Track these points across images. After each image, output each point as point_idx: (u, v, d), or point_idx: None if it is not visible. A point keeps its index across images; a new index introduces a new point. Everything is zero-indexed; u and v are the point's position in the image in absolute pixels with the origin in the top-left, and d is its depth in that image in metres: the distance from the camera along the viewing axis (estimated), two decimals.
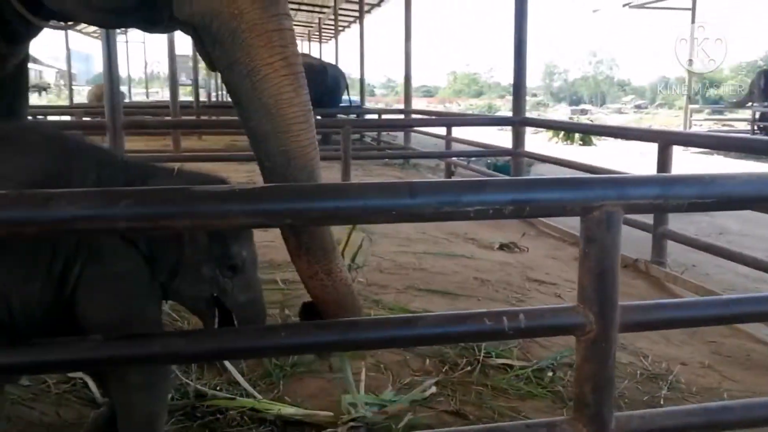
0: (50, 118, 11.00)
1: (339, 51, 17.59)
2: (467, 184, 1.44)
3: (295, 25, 24.14)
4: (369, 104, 18.32)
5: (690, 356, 2.78)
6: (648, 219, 4.06)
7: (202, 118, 11.74)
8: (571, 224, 5.15)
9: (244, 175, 7.74)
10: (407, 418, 2.06)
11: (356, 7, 14.61)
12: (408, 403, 2.16)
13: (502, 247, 4.48)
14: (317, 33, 22.10)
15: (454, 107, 38.43)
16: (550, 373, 2.43)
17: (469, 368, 2.44)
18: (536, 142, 12.87)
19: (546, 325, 1.55)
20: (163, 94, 23.86)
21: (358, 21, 14.70)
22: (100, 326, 1.52)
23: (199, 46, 1.66)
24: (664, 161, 3.84)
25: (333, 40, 18.83)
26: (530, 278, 3.74)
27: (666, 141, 3.89)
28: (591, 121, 23.59)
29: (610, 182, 1.51)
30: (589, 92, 54.91)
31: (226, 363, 2.17)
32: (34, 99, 28.72)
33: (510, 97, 7.29)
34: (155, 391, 1.63)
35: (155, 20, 1.71)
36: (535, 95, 46.45)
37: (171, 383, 1.70)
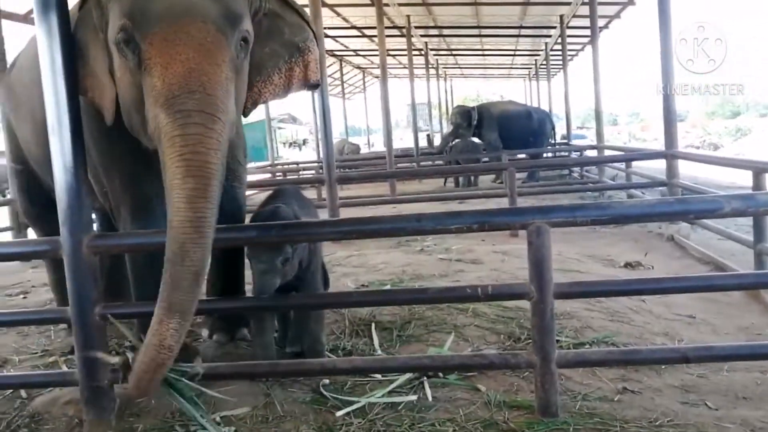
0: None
1: (569, 83, 15.12)
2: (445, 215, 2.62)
3: (515, 67, 24.72)
4: (608, 135, 17.18)
5: None
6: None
7: (422, 164, 13.62)
8: (720, 247, 5.61)
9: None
10: None
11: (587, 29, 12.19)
12: None
13: (627, 265, 5.12)
14: (544, 66, 20.13)
15: (698, 132, 36.52)
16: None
17: None
18: None
19: (505, 292, 2.67)
20: (406, 141, 26.63)
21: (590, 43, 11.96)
22: None
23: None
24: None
25: (561, 72, 16.54)
26: None
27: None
28: None
29: (538, 209, 2.58)
30: None
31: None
32: (295, 153, 33.78)
33: None
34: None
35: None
36: None
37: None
